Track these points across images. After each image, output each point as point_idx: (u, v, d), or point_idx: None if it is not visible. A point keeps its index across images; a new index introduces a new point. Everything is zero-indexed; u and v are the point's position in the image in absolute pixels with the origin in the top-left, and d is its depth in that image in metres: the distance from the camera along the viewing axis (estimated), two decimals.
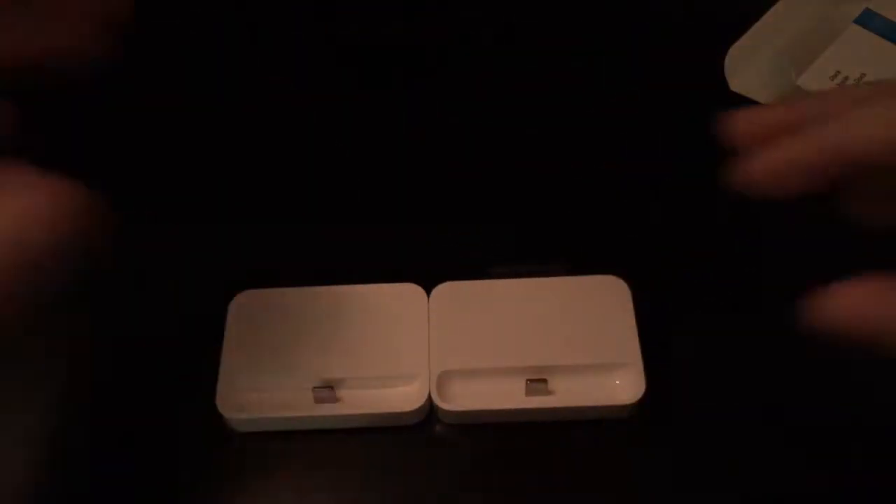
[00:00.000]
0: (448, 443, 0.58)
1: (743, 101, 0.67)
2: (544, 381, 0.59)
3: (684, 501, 0.55)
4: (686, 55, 0.69)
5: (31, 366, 0.57)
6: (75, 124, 0.65)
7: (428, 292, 0.62)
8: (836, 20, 0.70)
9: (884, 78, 0.62)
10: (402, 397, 0.59)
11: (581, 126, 0.68)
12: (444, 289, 0.62)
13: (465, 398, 0.59)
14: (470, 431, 0.59)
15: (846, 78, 0.67)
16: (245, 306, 0.61)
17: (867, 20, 0.70)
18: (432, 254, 0.64)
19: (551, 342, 0.60)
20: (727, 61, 0.70)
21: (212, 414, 0.57)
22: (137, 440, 0.57)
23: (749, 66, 0.70)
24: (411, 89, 0.70)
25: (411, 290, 0.62)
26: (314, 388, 0.59)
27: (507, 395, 0.59)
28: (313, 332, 0.60)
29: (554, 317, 0.61)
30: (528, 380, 0.59)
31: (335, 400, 0.59)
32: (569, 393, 0.59)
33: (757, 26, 0.72)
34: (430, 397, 0.59)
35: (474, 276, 0.62)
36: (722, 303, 0.61)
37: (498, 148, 0.68)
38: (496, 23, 0.72)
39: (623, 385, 0.59)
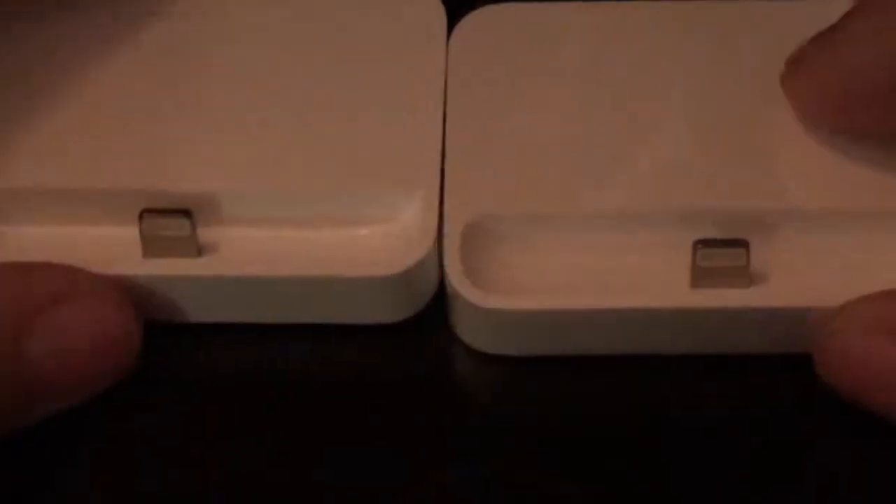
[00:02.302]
0: (473, 395, 0.41)
1: None
2: (742, 244, 0.38)
3: None
4: None
5: None
6: None
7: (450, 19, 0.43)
8: None
9: None
10: (374, 250, 0.40)
11: None
12: (478, 20, 0.43)
13: (531, 285, 0.40)
14: (529, 372, 0.40)
15: None
16: None
17: None
18: None
19: (751, 148, 0.40)
20: None
21: None
22: None
23: None
24: None
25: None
26: (144, 211, 0.40)
27: (637, 279, 0.40)
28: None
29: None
30: (697, 242, 0.38)
31: (197, 249, 0.40)
32: (808, 277, 0.39)
33: None
34: (442, 275, 0.39)
35: None
36: None
37: None
38: None
39: None
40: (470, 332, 0.40)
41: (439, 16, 0.43)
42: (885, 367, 0.36)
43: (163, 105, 0.42)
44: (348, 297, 0.39)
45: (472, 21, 0.43)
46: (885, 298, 0.37)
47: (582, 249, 0.40)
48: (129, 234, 0.40)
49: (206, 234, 0.40)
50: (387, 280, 0.38)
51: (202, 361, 0.40)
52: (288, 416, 0.39)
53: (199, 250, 0.40)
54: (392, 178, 0.40)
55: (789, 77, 0.40)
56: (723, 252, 0.38)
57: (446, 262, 0.39)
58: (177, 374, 0.40)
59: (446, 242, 0.39)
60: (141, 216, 0.40)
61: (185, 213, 0.40)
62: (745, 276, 0.38)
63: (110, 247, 0.40)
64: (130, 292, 0.38)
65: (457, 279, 0.39)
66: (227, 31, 0.44)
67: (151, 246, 0.40)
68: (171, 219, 0.39)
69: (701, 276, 0.38)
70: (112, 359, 0.37)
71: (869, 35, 0.39)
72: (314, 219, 0.40)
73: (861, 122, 0.40)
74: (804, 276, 0.39)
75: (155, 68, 0.43)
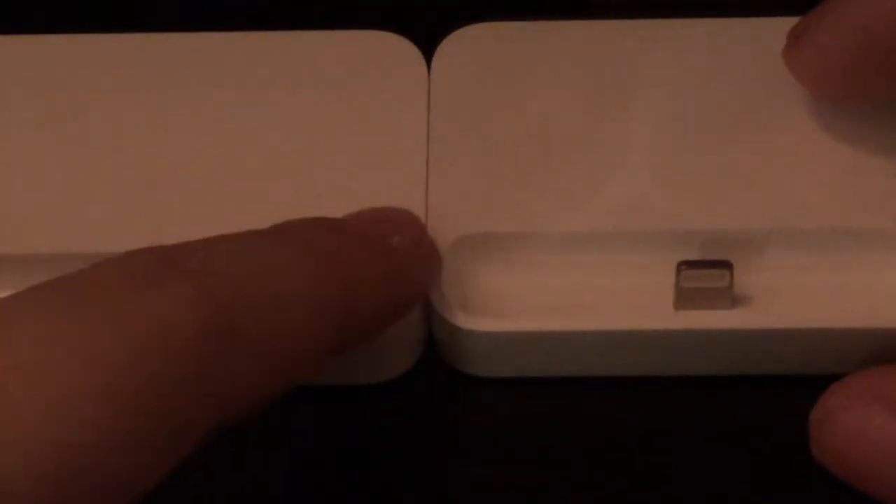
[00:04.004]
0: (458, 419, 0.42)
1: None
2: (726, 265, 0.39)
3: None
4: None
5: None
6: None
7: (426, 48, 0.44)
8: None
9: None
10: None
11: None
12: (462, 39, 0.44)
13: (514, 306, 0.41)
14: (517, 397, 0.41)
15: None
16: None
17: None
18: None
19: (735, 169, 0.41)
20: None
21: None
22: None
23: None
24: None
25: (390, 45, 0.44)
26: None
27: (619, 300, 0.40)
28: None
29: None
30: (680, 263, 0.39)
31: None
32: (791, 299, 0.40)
33: None
34: (425, 302, 0.40)
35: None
36: None
37: None
38: None
39: None
40: (454, 355, 0.40)
41: (418, 68, 0.43)
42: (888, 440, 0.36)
43: (147, 164, 0.42)
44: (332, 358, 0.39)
45: (455, 40, 0.44)
46: (879, 373, 0.37)
47: (564, 270, 0.41)
48: None
49: None
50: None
51: None
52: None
53: None
54: None
55: (792, 49, 0.40)
56: (706, 273, 0.38)
57: None
58: None
59: None
60: None
61: None
62: (728, 298, 0.39)
63: None
64: None
65: (439, 301, 0.39)
66: (214, 92, 0.43)
67: None
68: None
69: (684, 298, 0.39)
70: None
71: None
72: None
73: (869, 87, 0.40)
74: (787, 298, 0.40)
75: (138, 125, 0.43)
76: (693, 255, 0.39)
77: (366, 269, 0.35)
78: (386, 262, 0.36)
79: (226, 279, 0.32)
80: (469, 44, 0.44)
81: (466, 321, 0.39)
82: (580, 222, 0.41)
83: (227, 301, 0.31)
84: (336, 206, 0.40)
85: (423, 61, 0.43)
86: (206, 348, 0.30)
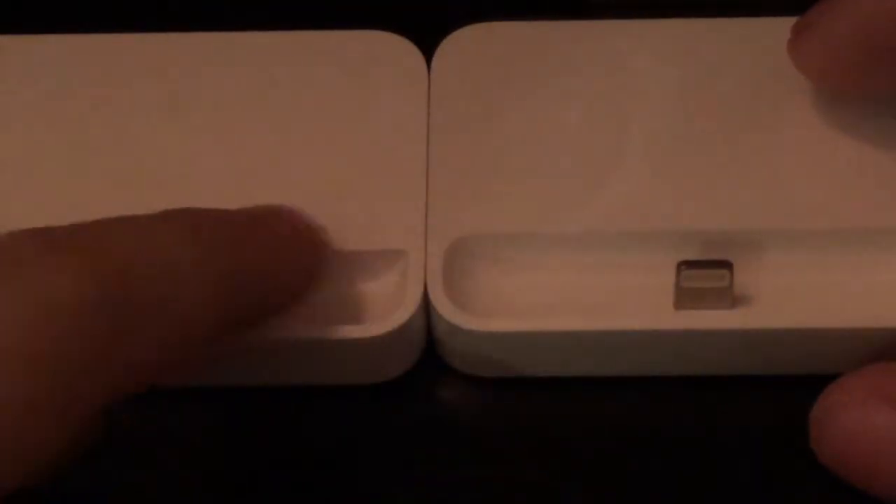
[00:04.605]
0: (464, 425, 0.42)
1: None
2: (726, 265, 0.39)
3: None
4: None
5: None
6: None
7: (427, 48, 0.44)
8: None
9: None
10: (358, 305, 0.41)
11: None
12: (462, 39, 0.44)
13: (514, 306, 0.41)
14: (517, 397, 0.41)
15: None
16: None
17: None
18: None
19: (735, 168, 0.41)
20: None
21: None
22: None
23: None
24: None
25: (390, 45, 0.44)
26: None
27: (620, 300, 0.40)
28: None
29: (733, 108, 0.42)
30: (681, 263, 0.39)
31: None
32: (791, 299, 0.40)
33: None
34: (425, 302, 0.40)
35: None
36: None
37: None
38: None
39: None
40: (454, 355, 0.40)
41: (418, 68, 0.43)
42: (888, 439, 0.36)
43: (148, 164, 0.42)
44: (332, 358, 0.39)
45: (455, 40, 0.44)
46: (878, 371, 0.37)
47: (565, 270, 0.41)
48: None
49: None
50: (372, 341, 0.39)
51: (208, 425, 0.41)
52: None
53: None
54: (378, 238, 0.40)
55: (796, 41, 0.40)
56: (706, 273, 0.38)
57: (428, 283, 0.39)
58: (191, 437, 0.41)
59: (429, 264, 0.40)
60: None
61: None
62: (728, 298, 0.39)
63: None
64: None
65: (439, 301, 0.39)
66: (214, 92, 0.43)
67: None
68: None
69: (684, 298, 0.39)
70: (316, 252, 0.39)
71: None
72: None
73: (872, 80, 0.40)
74: (787, 298, 0.40)
75: (138, 125, 0.43)
76: (693, 255, 0.39)
77: (249, 246, 0.36)
78: (269, 242, 0.37)
79: (113, 252, 0.32)
80: (469, 44, 0.44)
81: (466, 321, 0.39)
82: (580, 222, 0.41)
83: (115, 272, 0.32)
84: (336, 206, 0.40)
85: (423, 61, 0.43)
86: (96, 320, 0.31)
